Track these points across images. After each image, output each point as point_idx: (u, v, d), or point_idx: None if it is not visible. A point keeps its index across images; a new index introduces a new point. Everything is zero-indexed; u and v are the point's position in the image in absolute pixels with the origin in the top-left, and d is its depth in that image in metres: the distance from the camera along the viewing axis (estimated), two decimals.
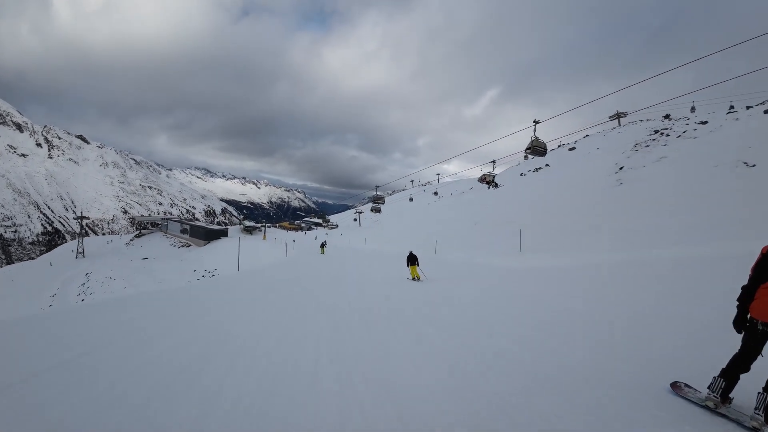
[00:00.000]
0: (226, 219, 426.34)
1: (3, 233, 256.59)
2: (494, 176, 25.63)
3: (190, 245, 66.68)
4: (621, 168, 39.48)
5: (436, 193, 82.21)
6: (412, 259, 19.22)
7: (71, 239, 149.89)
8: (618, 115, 52.36)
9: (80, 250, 69.11)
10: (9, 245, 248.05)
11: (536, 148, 17.34)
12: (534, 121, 16.00)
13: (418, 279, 18.56)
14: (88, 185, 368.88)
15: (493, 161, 23.01)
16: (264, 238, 68.98)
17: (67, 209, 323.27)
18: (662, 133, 45.33)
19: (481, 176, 26.86)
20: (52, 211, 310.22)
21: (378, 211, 31.63)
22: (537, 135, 16.79)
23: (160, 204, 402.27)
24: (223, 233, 69.26)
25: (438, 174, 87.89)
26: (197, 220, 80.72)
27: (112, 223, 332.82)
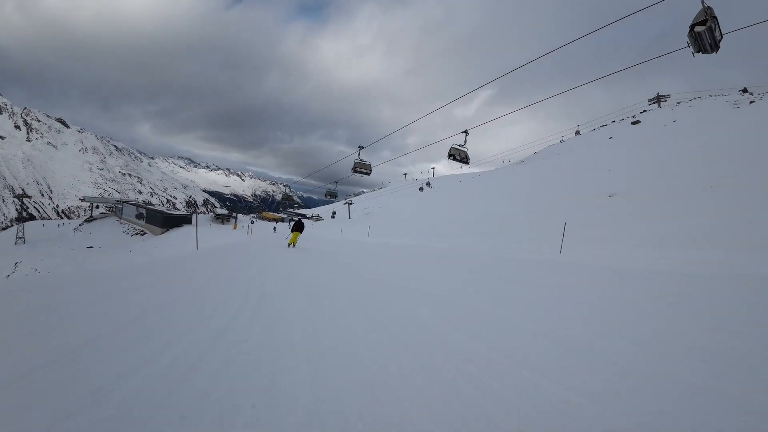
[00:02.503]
0: (207, 210, 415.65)
1: None
2: (466, 150, 19.99)
3: (145, 233, 57.67)
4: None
5: (428, 185, 74.41)
6: (298, 226, 20.92)
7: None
8: (659, 98, 45.20)
9: (20, 235, 59.69)
10: None
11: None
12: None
13: (294, 245, 20.21)
14: (65, 170, 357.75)
15: (465, 131, 15.57)
16: (234, 228, 60.22)
17: (43, 194, 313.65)
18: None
19: (451, 150, 20.42)
20: (28, 196, 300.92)
21: (366, 172, 22.72)
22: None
23: (140, 192, 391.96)
24: (186, 220, 60.03)
25: (433, 167, 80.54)
26: (152, 204, 71.23)
27: (89, 210, 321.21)
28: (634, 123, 51.84)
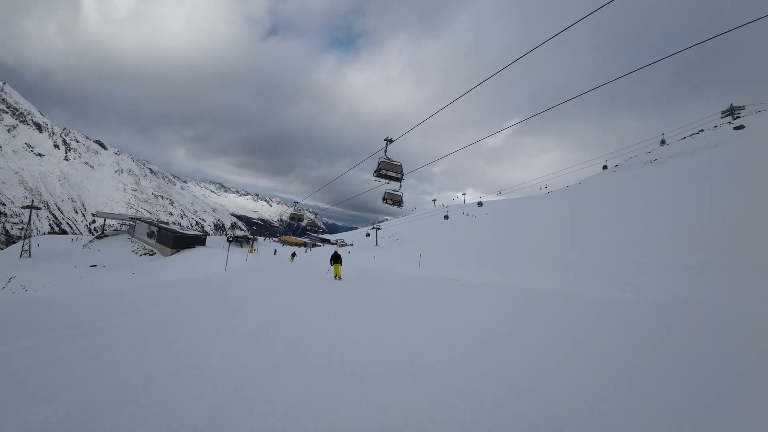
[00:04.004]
0: (231, 233, 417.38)
1: (10, 230, 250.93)
2: (401, 195, 19.18)
3: (154, 253, 53.09)
4: None
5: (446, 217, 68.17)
6: (335, 258, 20.30)
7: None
8: (732, 110, 38.41)
9: (25, 248, 56.10)
10: (14, 242, 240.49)
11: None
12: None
13: (340, 278, 19.61)
14: (100, 190, 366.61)
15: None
16: (251, 251, 54.87)
17: (77, 211, 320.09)
18: None
19: (384, 195, 18.97)
20: (62, 212, 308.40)
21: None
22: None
23: (171, 214, 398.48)
24: (199, 241, 55.26)
25: (464, 193, 74.77)
26: (166, 223, 66.50)
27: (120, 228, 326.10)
28: (737, 129, 43.68)
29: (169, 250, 51.38)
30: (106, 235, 63.67)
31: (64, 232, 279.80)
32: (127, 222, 68.87)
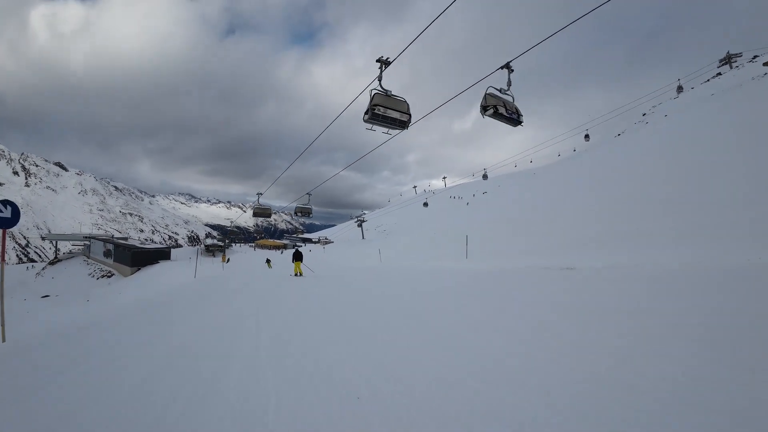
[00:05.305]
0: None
1: None
2: (311, 208, 21.06)
3: (112, 274, 47.66)
4: None
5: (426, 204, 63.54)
6: (297, 256, 20.55)
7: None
8: (729, 58, 35.46)
9: None
10: None
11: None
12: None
13: (301, 274, 19.92)
14: (65, 213, 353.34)
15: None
16: (223, 260, 49.58)
17: (44, 239, 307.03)
18: None
19: (296, 209, 21.59)
20: (27, 241, 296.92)
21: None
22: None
23: (141, 231, 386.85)
24: (162, 255, 49.92)
25: (444, 177, 70.80)
26: (124, 239, 60.60)
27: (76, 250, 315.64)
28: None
29: (128, 269, 45.99)
30: (59, 260, 57.65)
31: (32, 261, 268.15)
32: (81, 242, 62.65)
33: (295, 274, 20.01)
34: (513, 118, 8.82)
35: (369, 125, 8.55)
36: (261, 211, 21.75)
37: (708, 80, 40.52)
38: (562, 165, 49.98)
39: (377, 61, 8.27)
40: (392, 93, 8.43)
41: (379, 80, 8.32)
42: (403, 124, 8.65)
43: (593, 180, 28.26)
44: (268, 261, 42.19)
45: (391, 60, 8.23)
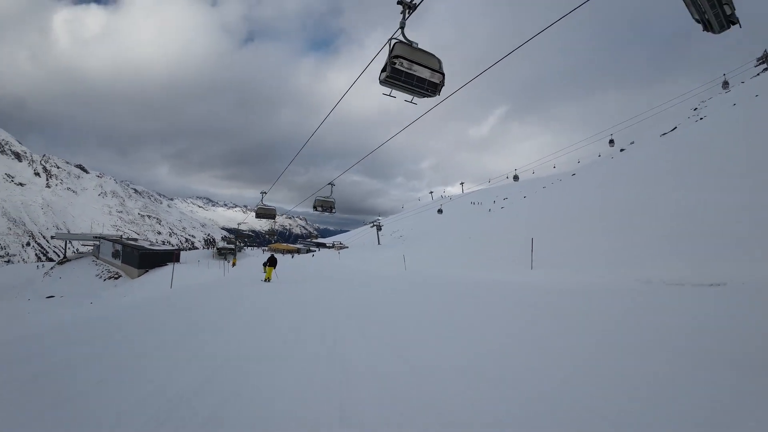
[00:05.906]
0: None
1: None
2: (333, 201, 18.43)
3: (120, 276, 46.30)
4: None
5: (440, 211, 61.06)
6: (271, 262, 20.51)
7: None
8: (766, 57, 32.68)
9: None
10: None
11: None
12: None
13: (269, 280, 19.83)
14: (85, 214, 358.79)
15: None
16: (233, 264, 48.04)
17: (53, 237, 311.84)
18: None
19: (315, 202, 18.83)
20: (48, 241, 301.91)
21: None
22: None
23: (159, 233, 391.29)
24: (170, 257, 48.27)
25: (462, 183, 67.94)
26: (134, 240, 59.09)
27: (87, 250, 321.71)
28: None
29: (135, 270, 44.52)
30: (68, 260, 56.67)
31: (50, 259, 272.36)
32: (91, 242, 61.62)
33: (266, 280, 19.87)
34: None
35: (387, 88, 6.27)
36: (264, 212, 20.42)
37: (758, 74, 37.36)
38: (606, 164, 44.86)
39: (398, 3, 5.97)
40: (418, 45, 6.18)
41: (401, 28, 5.90)
42: (433, 87, 6.16)
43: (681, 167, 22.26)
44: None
45: (417, 2, 6.02)
